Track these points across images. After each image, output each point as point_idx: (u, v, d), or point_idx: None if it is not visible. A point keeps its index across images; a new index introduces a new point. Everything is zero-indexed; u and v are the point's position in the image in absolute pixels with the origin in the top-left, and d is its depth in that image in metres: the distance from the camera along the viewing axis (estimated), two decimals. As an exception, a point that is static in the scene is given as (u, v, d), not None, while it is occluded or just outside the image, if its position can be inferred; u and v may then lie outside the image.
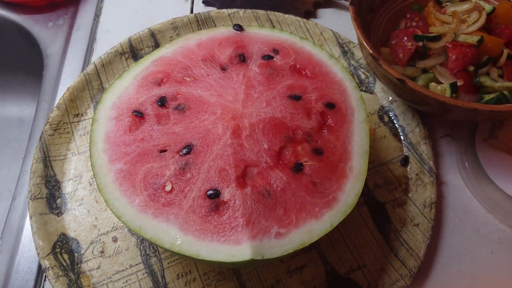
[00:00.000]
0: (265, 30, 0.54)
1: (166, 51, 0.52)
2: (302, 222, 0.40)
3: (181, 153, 0.43)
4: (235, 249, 0.38)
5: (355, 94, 0.49)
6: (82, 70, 0.65)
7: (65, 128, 0.57)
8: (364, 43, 0.52)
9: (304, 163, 0.43)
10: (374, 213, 0.53)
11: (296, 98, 0.47)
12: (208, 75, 0.49)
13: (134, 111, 0.46)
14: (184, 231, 0.39)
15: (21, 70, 0.79)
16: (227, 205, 0.40)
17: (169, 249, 0.38)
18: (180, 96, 0.47)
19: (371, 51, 0.51)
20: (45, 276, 0.50)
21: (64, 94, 0.59)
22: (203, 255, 0.38)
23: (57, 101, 0.62)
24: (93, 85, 0.60)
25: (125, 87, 0.48)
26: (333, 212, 0.42)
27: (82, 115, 0.59)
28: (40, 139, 0.55)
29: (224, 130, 0.44)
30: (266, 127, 0.45)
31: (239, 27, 0.53)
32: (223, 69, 0.49)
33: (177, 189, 0.41)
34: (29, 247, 0.51)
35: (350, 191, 0.43)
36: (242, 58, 0.50)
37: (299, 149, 0.44)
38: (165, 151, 0.43)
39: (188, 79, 0.48)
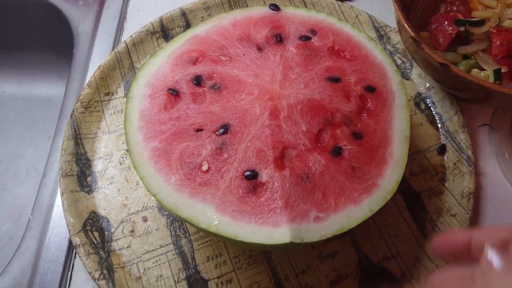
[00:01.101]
0: (302, 11, 0.53)
1: (200, 29, 0.51)
2: (341, 207, 0.39)
3: (217, 133, 0.42)
4: (274, 231, 0.37)
5: (396, 78, 0.47)
6: (112, 49, 0.64)
7: (95, 107, 0.57)
8: (406, 25, 0.50)
9: (343, 147, 0.42)
10: (410, 202, 0.51)
11: (335, 80, 0.46)
12: (244, 54, 0.48)
13: (169, 89, 0.45)
14: (221, 212, 0.38)
15: (50, 48, 0.79)
16: (265, 187, 0.39)
17: (205, 229, 0.38)
18: (216, 75, 0.46)
19: (412, 34, 0.49)
20: (76, 253, 0.50)
21: (95, 72, 0.58)
22: (240, 236, 0.37)
23: (87, 79, 0.61)
24: (124, 64, 0.60)
25: (159, 65, 0.47)
26: (372, 198, 0.40)
27: (112, 94, 0.58)
28: (71, 116, 0.55)
29: (261, 111, 0.43)
30: (304, 109, 0.43)
31: (275, 7, 0.52)
32: (259, 49, 0.48)
33: (214, 169, 0.40)
34: (59, 224, 0.51)
35: (390, 177, 0.42)
36: (279, 39, 0.49)
37: (338, 132, 0.43)
38: (201, 130, 0.42)
39: (223, 59, 0.47)
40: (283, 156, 0.41)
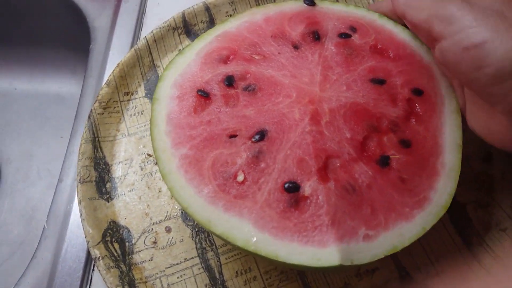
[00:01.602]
0: (339, 6, 0.49)
1: (230, 25, 0.47)
2: (391, 224, 0.35)
3: (253, 140, 0.38)
4: (321, 252, 0.33)
5: (444, 80, 0.43)
6: (131, 45, 0.60)
7: (115, 107, 0.53)
8: (454, 22, 0.46)
9: (391, 156, 0.38)
10: (453, 215, 0.48)
11: (380, 82, 0.42)
12: (279, 53, 0.44)
13: (199, 90, 0.41)
14: (259, 228, 0.34)
15: (64, 44, 0.75)
16: (308, 201, 0.35)
17: (242, 248, 0.34)
18: (249, 75, 0.42)
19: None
20: (94, 266, 0.46)
21: (114, 70, 0.54)
22: (282, 256, 0.33)
23: (105, 77, 0.57)
24: (144, 61, 0.56)
25: (187, 64, 0.43)
26: (424, 214, 0.37)
27: (132, 94, 0.55)
28: (89, 118, 0.51)
29: (301, 115, 0.39)
30: (348, 113, 0.39)
31: (310, 2, 0.48)
32: (295, 47, 0.44)
33: (250, 180, 0.36)
34: (77, 234, 0.48)
35: (443, 190, 0.38)
36: (316, 36, 0.45)
37: (385, 140, 0.39)
38: (235, 136, 0.38)
39: (257, 57, 0.43)
40: (326, 167, 0.37)
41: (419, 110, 0.41)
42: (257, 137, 0.38)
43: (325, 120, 0.39)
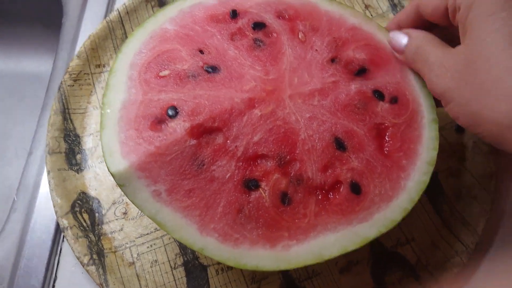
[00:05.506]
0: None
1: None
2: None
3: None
4: None
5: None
6: (105, 18, 0.59)
7: (86, 79, 0.52)
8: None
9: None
10: (425, 183, 0.48)
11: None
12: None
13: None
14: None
15: (38, 22, 0.74)
16: None
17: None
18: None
19: None
20: (63, 237, 0.46)
21: (85, 42, 0.53)
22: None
23: (77, 50, 0.57)
24: (116, 34, 0.55)
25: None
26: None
27: (104, 66, 0.54)
28: (59, 89, 0.51)
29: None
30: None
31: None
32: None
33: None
34: (46, 205, 0.47)
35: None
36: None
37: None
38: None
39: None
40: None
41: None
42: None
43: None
